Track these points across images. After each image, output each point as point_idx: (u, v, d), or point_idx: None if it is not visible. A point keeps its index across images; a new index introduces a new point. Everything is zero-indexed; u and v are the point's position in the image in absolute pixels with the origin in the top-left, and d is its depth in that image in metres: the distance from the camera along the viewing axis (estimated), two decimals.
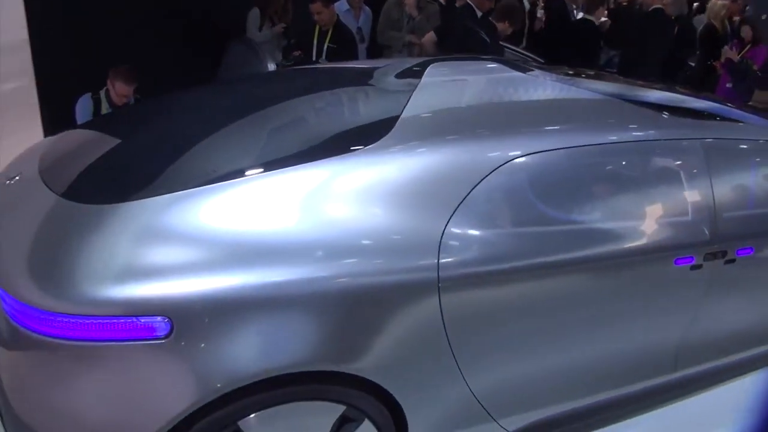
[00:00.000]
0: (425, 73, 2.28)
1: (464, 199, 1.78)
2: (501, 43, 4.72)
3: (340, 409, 1.68)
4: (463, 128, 1.97)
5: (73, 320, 1.46)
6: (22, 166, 2.03)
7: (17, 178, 1.96)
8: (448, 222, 1.74)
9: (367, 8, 5.54)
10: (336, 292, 1.60)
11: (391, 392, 1.72)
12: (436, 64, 2.43)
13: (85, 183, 1.81)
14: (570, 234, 1.96)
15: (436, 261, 1.70)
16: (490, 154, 1.87)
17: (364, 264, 1.64)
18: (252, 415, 1.58)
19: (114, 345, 1.47)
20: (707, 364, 2.47)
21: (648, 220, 2.12)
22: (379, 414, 1.75)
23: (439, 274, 1.70)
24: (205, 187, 1.65)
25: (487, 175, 1.82)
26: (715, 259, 2.20)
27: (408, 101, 2.03)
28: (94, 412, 1.52)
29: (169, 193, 1.63)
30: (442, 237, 1.72)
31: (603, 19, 6.61)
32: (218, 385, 1.50)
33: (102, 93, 3.92)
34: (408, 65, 2.49)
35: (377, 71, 2.54)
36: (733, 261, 2.25)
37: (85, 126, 2.94)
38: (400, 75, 2.39)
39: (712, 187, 2.19)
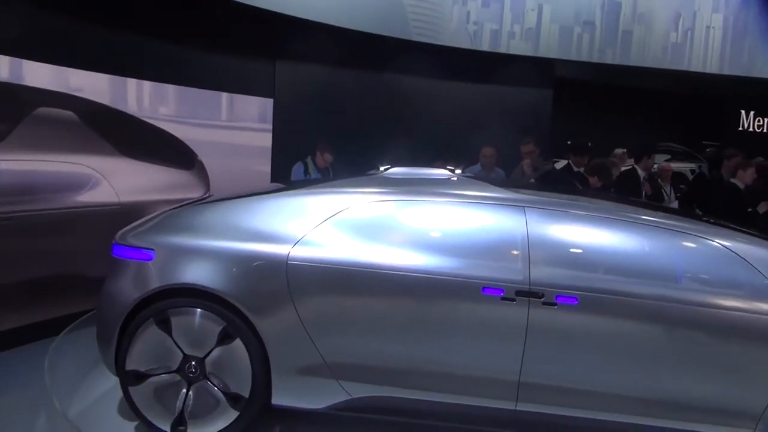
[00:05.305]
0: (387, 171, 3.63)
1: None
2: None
3: (222, 323, 2.97)
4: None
5: (122, 248, 3.18)
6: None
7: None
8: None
9: (499, 170, 6.85)
10: (237, 255, 3.01)
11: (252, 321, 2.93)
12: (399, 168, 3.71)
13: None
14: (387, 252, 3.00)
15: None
16: (342, 201, 3.12)
17: (257, 242, 3.04)
18: (176, 309, 3.02)
19: (134, 261, 3.12)
20: (547, 409, 2.86)
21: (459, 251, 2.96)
22: (249, 339, 2.94)
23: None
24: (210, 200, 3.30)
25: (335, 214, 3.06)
26: (530, 298, 2.81)
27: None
28: (120, 285, 3.14)
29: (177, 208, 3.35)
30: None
31: None
32: (166, 283, 3.03)
33: (309, 159, 6.11)
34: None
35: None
36: (553, 305, 2.80)
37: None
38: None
39: (528, 240, 2.90)
